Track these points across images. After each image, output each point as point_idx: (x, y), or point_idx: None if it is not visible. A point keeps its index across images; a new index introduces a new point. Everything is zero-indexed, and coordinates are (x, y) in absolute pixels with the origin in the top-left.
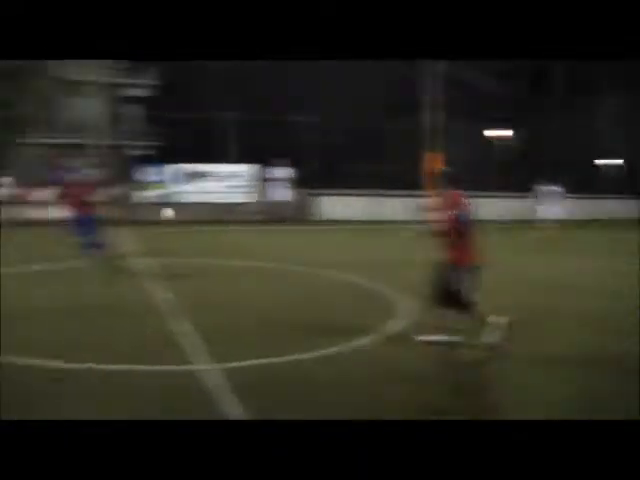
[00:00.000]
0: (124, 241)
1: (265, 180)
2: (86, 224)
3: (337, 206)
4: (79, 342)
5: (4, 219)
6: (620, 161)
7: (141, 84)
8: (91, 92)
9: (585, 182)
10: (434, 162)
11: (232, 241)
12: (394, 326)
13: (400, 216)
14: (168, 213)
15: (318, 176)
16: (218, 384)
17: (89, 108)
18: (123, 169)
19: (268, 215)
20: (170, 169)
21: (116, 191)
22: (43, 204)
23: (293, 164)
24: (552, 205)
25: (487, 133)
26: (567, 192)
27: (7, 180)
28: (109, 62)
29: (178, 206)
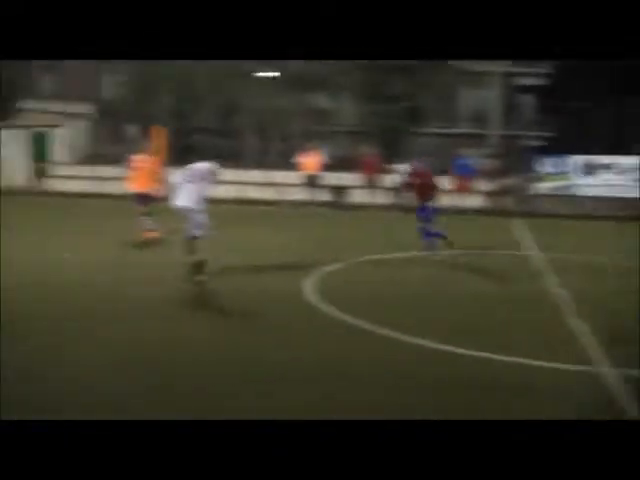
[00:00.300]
0: (519, 233)
1: None
2: (428, 212)
3: None
4: (472, 329)
5: (395, 205)
6: None
7: (536, 73)
8: (487, 82)
9: None
10: None
11: (628, 238)
12: None
13: None
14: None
15: None
16: (619, 390)
17: (485, 98)
18: (518, 159)
19: None
20: (568, 160)
21: (509, 181)
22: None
23: None
24: None
25: None
26: None
27: (404, 167)
28: None
29: (575, 199)
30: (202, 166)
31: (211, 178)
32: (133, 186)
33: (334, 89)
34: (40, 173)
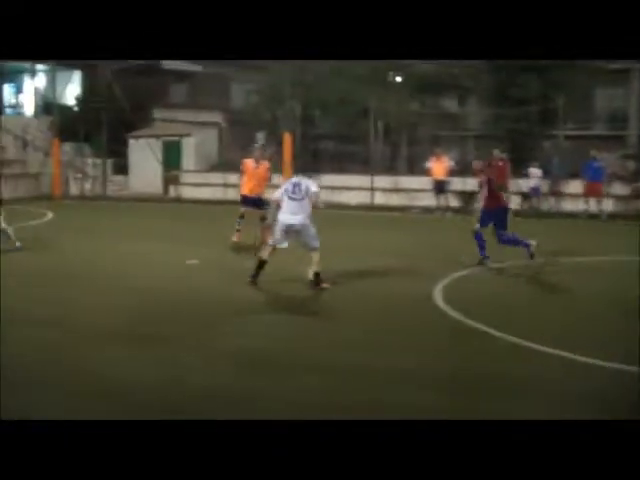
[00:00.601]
0: None
1: None
2: (493, 216)
3: None
4: (602, 338)
5: (526, 210)
6: None
7: None
8: (624, 80)
9: None
10: None
11: None
12: None
13: None
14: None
15: None
16: None
17: (622, 97)
18: None
19: None
20: None
21: None
22: (575, 197)
23: None
24: None
25: None
26: None
27: (536, 171)
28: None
29: None
30: (304, 182)
31: (313, 194)
32: (242, 189)
33: (462, 93)
34: (171, 181)
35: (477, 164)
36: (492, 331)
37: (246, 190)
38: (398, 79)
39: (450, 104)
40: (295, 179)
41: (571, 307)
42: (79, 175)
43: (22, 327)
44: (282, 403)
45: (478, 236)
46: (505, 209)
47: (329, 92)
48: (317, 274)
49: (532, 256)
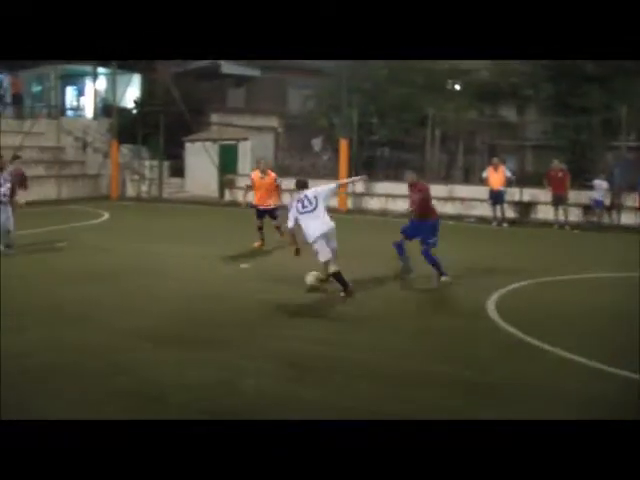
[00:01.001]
0: None
1: None
2: (420, 229)
3: None
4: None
5: (587, 223)
6: None
7: None
8: None
9: None
10: None
11: None
12: None
13: None
14: None
15: None
16: None
17: None
18: None
19: None
20: None
21: None
22: (635, 210)
23: None
24: None
25: None
26: None
27: (602, 183)
28: None
29: None
30: (309, 192)
31: (330, 191)
32: (255, 201)
33: (521, 102)
34: (227, 184)
35: (411, 177)
36: (543, 345)
37: (256, 201)
38: (457, 87)
39: (509, 113)
40: (298, 194)
41: (627, 322)
42: (136, 177)
43: (63, 327)
44: (330, 407)
45: (399, 246)
46: (435, 223)
47: (387, 99)
48: (336, 274)
49: (439, 277)
